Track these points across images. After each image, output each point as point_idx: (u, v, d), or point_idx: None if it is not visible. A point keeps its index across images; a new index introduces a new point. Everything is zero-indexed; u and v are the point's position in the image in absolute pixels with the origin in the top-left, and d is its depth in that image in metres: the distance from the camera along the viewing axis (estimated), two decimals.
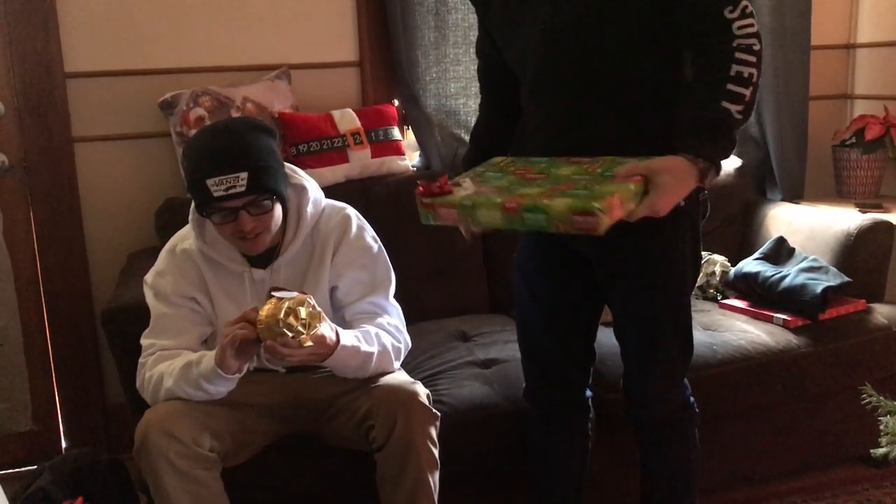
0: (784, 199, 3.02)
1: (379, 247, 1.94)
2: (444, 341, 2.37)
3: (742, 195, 2.97)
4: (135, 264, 2.38)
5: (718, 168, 1.48)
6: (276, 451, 1.89)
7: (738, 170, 2.95)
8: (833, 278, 2.42)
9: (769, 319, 2.42)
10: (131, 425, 1.77)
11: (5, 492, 2.06)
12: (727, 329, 2.37)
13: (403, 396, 1.76)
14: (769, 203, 2.98)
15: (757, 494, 2.38)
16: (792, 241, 2.64)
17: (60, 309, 2.66)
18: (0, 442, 2.67)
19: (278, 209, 1.78)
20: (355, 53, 2.79)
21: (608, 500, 2.18)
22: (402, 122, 2.84)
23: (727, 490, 2.37)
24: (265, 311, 1.62)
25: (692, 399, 1.84)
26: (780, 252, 2.61)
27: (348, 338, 1.74)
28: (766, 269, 2.51)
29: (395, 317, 1.92)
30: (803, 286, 2.39)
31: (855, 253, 2.53)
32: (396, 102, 2.84)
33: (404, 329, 1.93)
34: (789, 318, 2.38)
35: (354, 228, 1.91)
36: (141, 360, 1.84)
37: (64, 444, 2.74)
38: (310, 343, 1.63)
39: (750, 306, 2.50)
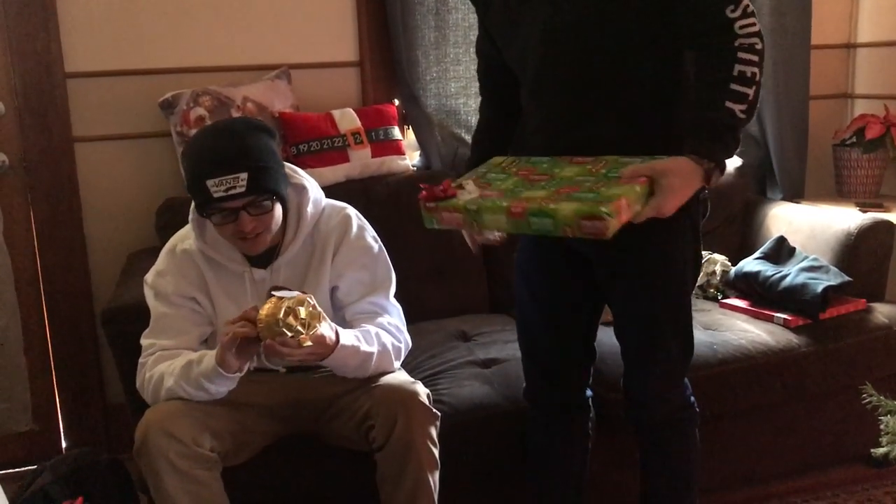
0: (784, 199, 3.02)
1: (379, 246, 1.94)
2: (444, 341, 2.37)
3: (742, 194, 2.97)
4: (135, 264, 2.37)
5: (723, 168, 1.48)
6: (276, 451, 1.89)
7: (739, 169, 2.95)
8: (833, 278, 2.42)
9: (770, 319, 2.42)
10: (131, 425, 1.77)
11: (5, 492, 2.06)
12: (728, 328, 2.37)
13: (404, 396, 1.76)
14: (769, 202, 2.98)
15: (757, 494, 2.38)
16: (792, 241, 2.64)
17: (60, 309, 2.66)
18: (0, 442, 2.67)
19: (278, 209, 1.78)
20: (355, 53, 2.79)
21: (608, 500, 2.18)
22: (403, 122, 2.84)
23: (727, 490, 2.37)
24: (265, 310, 1.62)
25: (692, 399, 1.84)
26: (781, 251, 2.61)
27: (348, 337, 1.74)
28: (767, 269, 2.51)
29: (395, 316, 1.92)
30: (804, 286, 2.39)
31: (855, 252, 2.53)
32: (396, 102, 2.84)
33: (404, 329, 1.93)
34: (790, 318, 2.38)
35: (355, 228, 1.91)
36: (141, 360, 1.84)
37: (64, 444, 2.74)
38: (309, 343, 1.63)
39: (750, 306, 2.50)
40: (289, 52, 2.72)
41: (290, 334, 1.60)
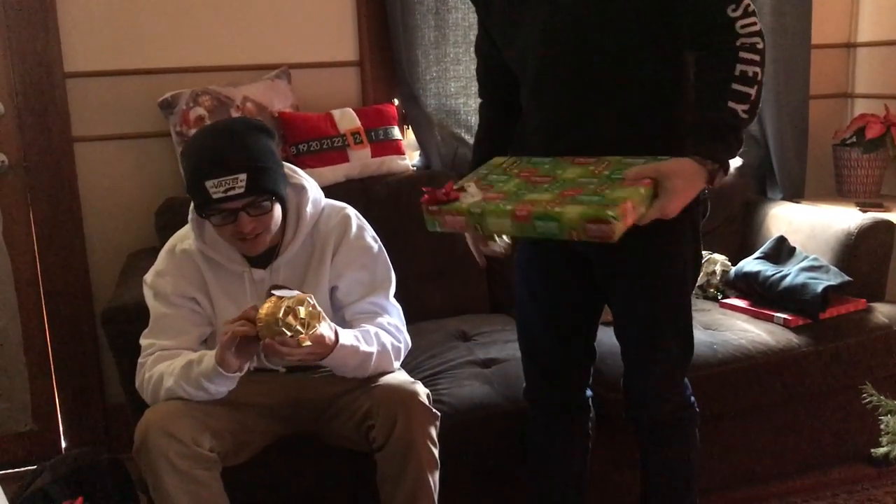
0: (784, 199, 3.02)
1: (379, 247, 1.94)
2: (444, 341, 2.37)
3: (742, 194, 2.97)
4: (135, 264, 2.37)
5: (727, 168, 1.48)
6: (276, 451, 1.89)
7: (739, 169, 2.95)
8: (833, 277, 2.42)
9: (770, 319, 2.41)
10: (131, 425, 1.77)
11: (5, 492, 2.06)
12: (728, 328, 2.37)
13: (403, 396, 1.76)
14: (770, 202, 2.98)
15: (757, 494, 2.38)
16: (792, 241, 2.64)
17: (60, 309, 2.65)
18: (0, 442, 2.67)
19: (278, 210, 1.78)
20: (355, 53, 2.79)
21: (608, 500, 2.18)
22: (402, 122, 2.84)
23: (727, 490, 2.37)
24: (265, 309, 1.62)
25: (692, 398, 1.84)
26: (781, 251, 2.61)
27: (347, 337, 1.74)
28: (767, 269, 2.51)
29: (395, 316, 1.92)
30: (804, 285, 2.39)
31: (855, 252, 2.53)
32: (396, 102, 2.84)
33: (404, 329, 1.93)
34: (790, 318, 2.38)
35: (354, 228, 1.91)
36: (140, 360, 1.83)
37: (64, 444, 2.74)
38: (308, 342, 1.63)
39: (750, 306, 2.50)
40: (289, 51, 2.72)
41: (289, 334, 1.60)
